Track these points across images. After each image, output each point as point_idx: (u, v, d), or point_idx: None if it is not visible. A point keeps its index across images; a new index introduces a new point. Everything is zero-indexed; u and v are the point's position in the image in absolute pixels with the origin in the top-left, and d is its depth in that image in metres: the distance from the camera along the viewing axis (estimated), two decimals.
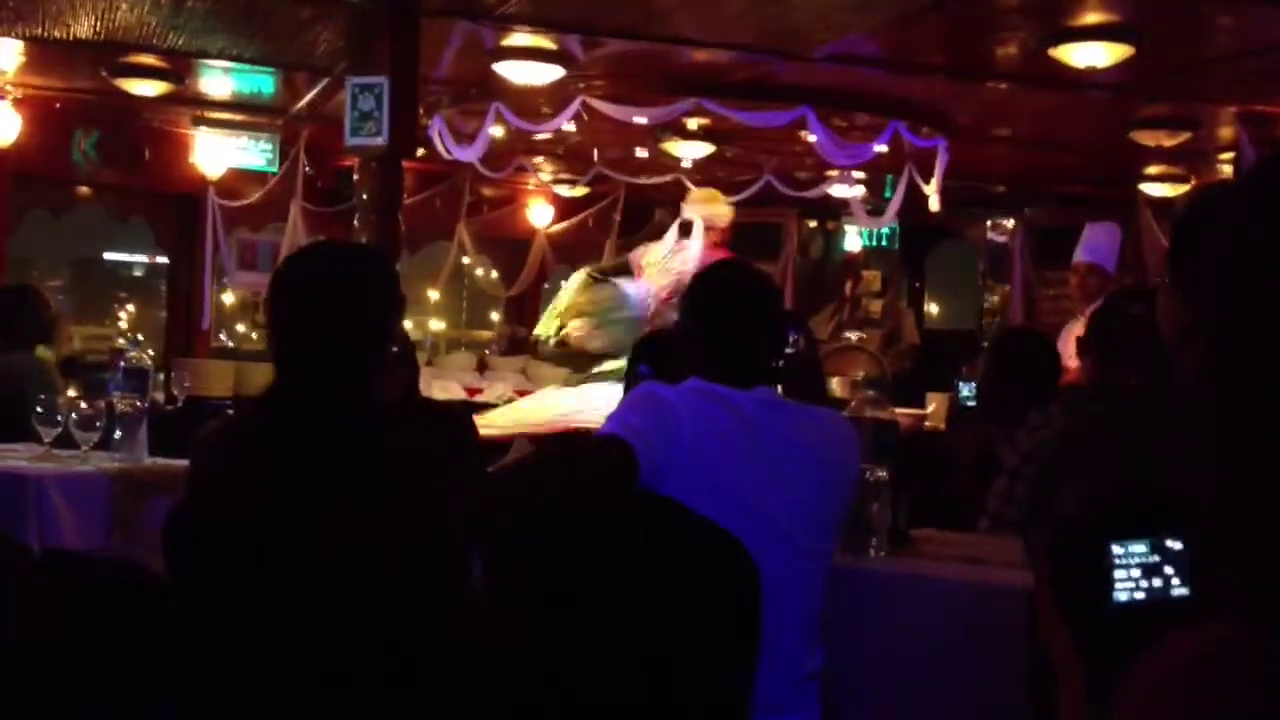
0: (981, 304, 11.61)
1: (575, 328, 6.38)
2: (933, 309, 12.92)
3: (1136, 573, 1.05)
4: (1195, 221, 1.26)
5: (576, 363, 6.70)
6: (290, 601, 2.13)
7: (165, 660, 2.03)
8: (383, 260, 2.70)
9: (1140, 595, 1.05)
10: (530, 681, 2.20)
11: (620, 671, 2.19)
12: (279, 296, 2.34)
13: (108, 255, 38.53)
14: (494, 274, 12.44)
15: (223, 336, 16.32)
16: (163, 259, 10.85)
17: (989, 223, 11.21)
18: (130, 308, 34.51)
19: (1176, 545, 1.05)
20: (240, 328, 17.47)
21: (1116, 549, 1.05)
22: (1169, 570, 1.05)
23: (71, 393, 4.92)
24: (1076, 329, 6.34)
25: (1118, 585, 1.04)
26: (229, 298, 13.10)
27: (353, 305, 2.31)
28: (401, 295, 2.39)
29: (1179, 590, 1.05)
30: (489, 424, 5.85)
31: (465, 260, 11.35)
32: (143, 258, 39.20)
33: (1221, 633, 0.87)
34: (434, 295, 15.76)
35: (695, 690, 2.22)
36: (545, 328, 6.56)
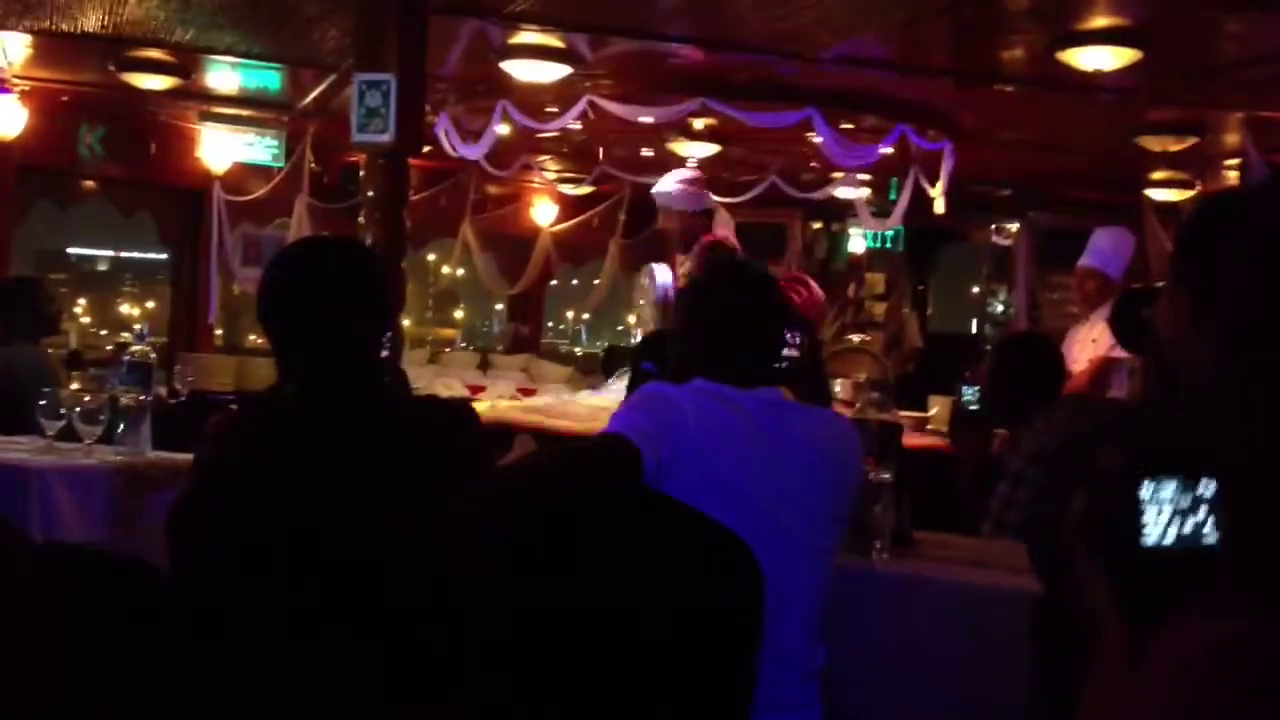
0: (985, 308, 11.59)
1: None
2: (936, 312, 12.87)
3: (1167, 512, 1.04)
4: (1207, 226, 1.26)
5: None
6: (293, 596, 2.13)
7: (167, 654, 2.03)
8: (375, 256, 2.71)
9: (1170, 540, 1.03)
10: (533, 677, 2.20)
11: (623, 669, 2.19)
12: (271, 292, 2.34)
13: (71, 250, 38.19)
14: (461, 270, 12.33)
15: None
16: (128, 254, 10.79)
17: (994, 226, 11.20)
18: (83, 301, 34.15)
19: (1207, 491, 1.04)
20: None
21: (1147, 487, 1.04)
22: (1200, 515, 1.04)
23: (75, 386, 4.92)
24: (1081, 333, 6.35)
25: (1148, 526, 1.03)
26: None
27: (346, 301, 2.31)
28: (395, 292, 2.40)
29: (1210, 539, 1.04)
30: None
31: (431, 257, 11.29)
32: (108, 251, 38.87)
33: (1236, 626, 0.87)
34: None
35: (697, 688, 2.22)
36: None
